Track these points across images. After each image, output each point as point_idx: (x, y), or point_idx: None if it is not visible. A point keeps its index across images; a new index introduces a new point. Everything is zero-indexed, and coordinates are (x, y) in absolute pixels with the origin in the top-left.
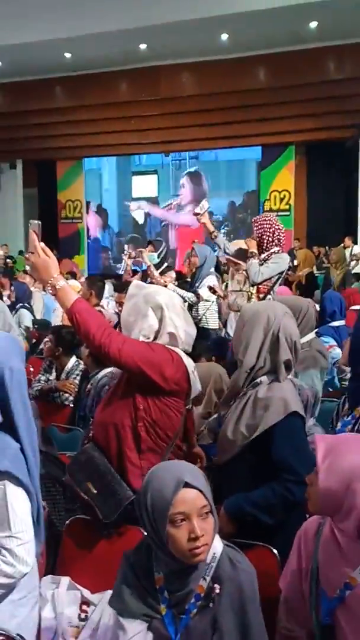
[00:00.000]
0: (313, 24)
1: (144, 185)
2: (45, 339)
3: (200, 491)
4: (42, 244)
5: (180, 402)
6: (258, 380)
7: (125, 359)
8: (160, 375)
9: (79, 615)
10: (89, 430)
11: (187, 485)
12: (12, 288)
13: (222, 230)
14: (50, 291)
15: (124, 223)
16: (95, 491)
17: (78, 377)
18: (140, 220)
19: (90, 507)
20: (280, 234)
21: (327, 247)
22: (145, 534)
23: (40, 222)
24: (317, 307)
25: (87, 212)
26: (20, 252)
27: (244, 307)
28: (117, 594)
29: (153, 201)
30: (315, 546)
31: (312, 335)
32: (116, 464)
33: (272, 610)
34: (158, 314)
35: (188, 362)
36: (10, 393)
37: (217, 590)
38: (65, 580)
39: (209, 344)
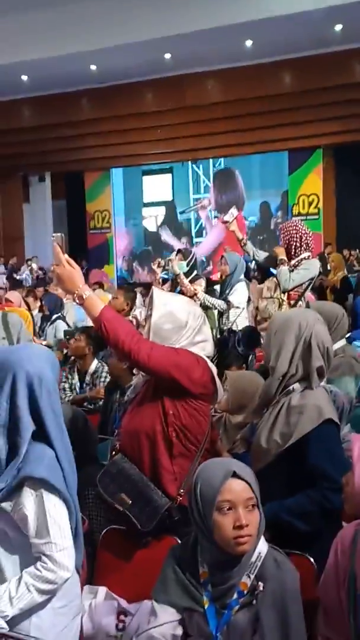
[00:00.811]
0: (338, 27)
1: (157, 188)
2: (72, 340)
3: (248, 484)
4: (67, 255)
5: (207, 405)
6: (290, 387)
7: (154, 365)
8: (188, 379)
9: (117, 625)
10: (115, 441)
11: (235, 475)
12: (43, 301)
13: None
14: (78, 301)
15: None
16: (130, 501)
17: (106, 380)
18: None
19: (126, 518)
20: (308, 238)
21: (358, 250)
22: (193, 525)
23: (63, 234)
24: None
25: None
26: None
27: (275, 314)
28: (160, 584)
29: (168, 206)
30: (352, 553)
31: (343, 341)
32: (149, 472)
33: (309, 619)
34: (195, 324)
35: (212, 365)
36: (40, 402)
37: (261, 588)
38: (102, 590)
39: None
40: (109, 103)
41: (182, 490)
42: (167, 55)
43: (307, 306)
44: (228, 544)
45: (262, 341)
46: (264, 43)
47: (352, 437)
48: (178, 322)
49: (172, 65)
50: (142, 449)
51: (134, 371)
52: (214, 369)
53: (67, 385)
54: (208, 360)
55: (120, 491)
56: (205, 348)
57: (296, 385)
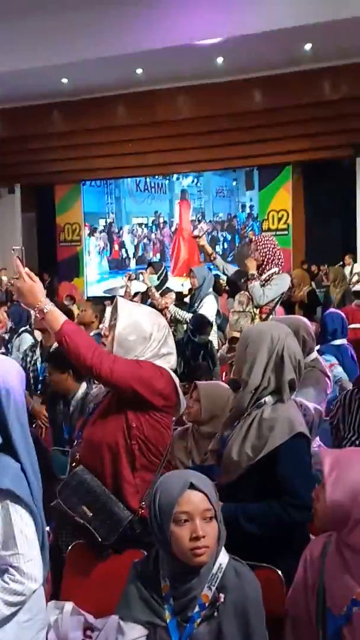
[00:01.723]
0: (308, 46)
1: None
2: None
3: (206, 495)
4: (27, 269)
5: (169, 417)
6: (262, 400)
7: (117, 379)
8: (151, 392)
9: None
10: (75, 452)
11: (192, 487)
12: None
13: (229, 259)
14: (38, 315)
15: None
16: (90, 514)
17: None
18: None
19: (86, 531)
20: (280, 255)
21: (326, 266)
22: (153, 537)
23: (23, 248)
24: (315, 325)
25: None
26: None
27: (247, 327)
28: (123, 601)
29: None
30: (321, 565)
31: (314, 354)
32: (110, 484)
33: (278, 630)
34: (160, 335)
35: (175, 377)
36: (7, 413)
37: (222, 600)
38: (69, 605)
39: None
40: (80, 116)
41: (143, 503)
42: (139, 70)
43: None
44: (185, 555)
45: (213, 329)
46: (235, 60)
47: (321, 451)
48: (143, 332)
49: (144, 80)
50: (104, 461)
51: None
52: (177, 381)
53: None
54: (171, 372)
55: (81, 503)
56: (169, 361)
57: (268, 398)
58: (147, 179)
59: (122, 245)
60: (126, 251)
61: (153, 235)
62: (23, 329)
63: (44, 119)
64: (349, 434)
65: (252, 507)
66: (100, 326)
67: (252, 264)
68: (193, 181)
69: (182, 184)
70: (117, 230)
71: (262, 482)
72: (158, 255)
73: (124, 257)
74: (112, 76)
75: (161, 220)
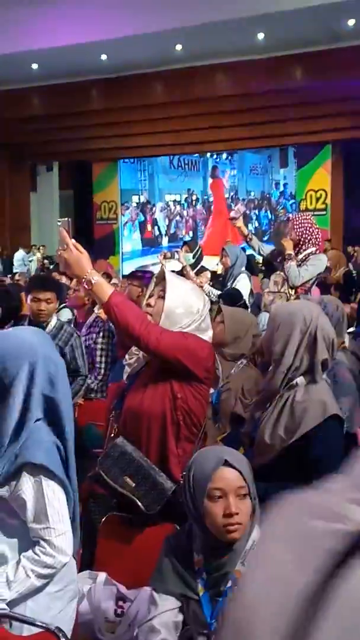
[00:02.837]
0: (351, 22)
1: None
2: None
3: (240, 472)
4: (74, 240)
5: (208, 389)
6: (294, 382)
7: (164, 349)
8: (196, 363)
9: (115, 610)
10: (114, 423)
11: (227, 463)
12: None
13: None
14: (86, 286)
15: None
16: (133, 484)
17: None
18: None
19: (129, 502)
20: (319, 234)
21: None
22: (186, 511)
23: (69, 219)
24: (350, 308)
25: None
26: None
27: (276, 307)
28: (156, 573)
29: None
30: None
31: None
32: (153, 455)
33: None
34: (204, 311)
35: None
36: (58, 388)
37: None
38: (102, 575)
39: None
40: (118, 94)
41: (184, 473)
42: (178, 47)
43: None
44: (218, 531)
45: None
46: (276, 37)
47: None
48: (190, 306)
49: (183, 57)
50: (148, 431)
51: (134, 350)
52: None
53: None
54: (211, 346)
55: (124, 474)
56: (209, 335)
57: (300, 380)
58: (181, 156)
59: (154, 222)
60: (159, 229)
61: (185, 213)
62: (63, 305)
63: (82, 96)
64: None
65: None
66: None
67: (289, 244)
68: (227, 158)
69: (215, 161)
70: (150, 208)
71: (295, 465)
72: (190, 232)
73: (156, 234)
74: (151, 53)
75: (194, 197)
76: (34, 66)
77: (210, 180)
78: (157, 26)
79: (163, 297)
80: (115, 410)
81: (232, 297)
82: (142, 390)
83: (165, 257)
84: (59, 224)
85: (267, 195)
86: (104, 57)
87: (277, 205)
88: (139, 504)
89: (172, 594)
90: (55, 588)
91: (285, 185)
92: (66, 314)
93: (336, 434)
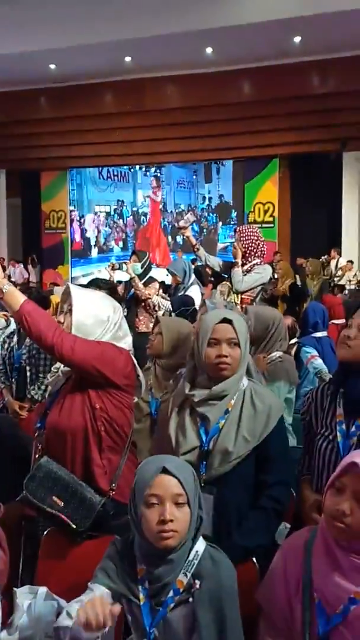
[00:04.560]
0: (297, 39)
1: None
2: None
3: (179, 480)
4: None
5: (131, 397)
6: (241, 384)
7: (79, 358)
8: (112, 370)
9: None
10: (38, 443)
11: (165, 471)
12: None
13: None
14: None
15: None
16: (62, 503)
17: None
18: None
19: (60, 520)
20: (264, 246)
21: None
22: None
23: None
24: (291, 320)
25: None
26: (2, 259)
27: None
28: (98, 571)
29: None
30: (304, 561)
31: (285, 347)
32: (80, 469)
33: (250, 616)
34: (116, 317)
35: (133, 357)
36: None
37: (197, 586)
38: (42, 590)
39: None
40: (68, 103)
41: (114, 485)
42: (128, 58)
43: (245, 311)
44: (153, 537)
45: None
46: (225, 51)
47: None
48: (100, 316)
49: (133, 68)
50: (71, 446)
51: (53, 368)
52: (135, 361)
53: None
54: (130, 353)
55: (51, 494)
56: (127, 342)
57: (245, 381)
58: (110, 167)
59: (82, 234)
60: (88, 240)
61: (114, 224)
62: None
63: (31, 104)
64: (322, 429)
65: (250, 528)
66: (53, 317)
67: (238, 252)
68: (155, 171)
69: (144, 174)
70: (79, 219)
71: (253, 467)
72: (121, 243)
73: (84, 246)
74: (101, 63)
75: (124, 209)
76: None
77: (149, 192)
78: (106, 36)
79: (71, 312)
80: (39, 430)
81: (183, 303)
82: (62, 405)
83: (113, 268)
84: None
85: (193, 208)
86: (52, 65)
87: (202, 218)
88: (69, 522)
89: (111, 589)
90: None
91: (210, 199)
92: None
93: (284, 427)
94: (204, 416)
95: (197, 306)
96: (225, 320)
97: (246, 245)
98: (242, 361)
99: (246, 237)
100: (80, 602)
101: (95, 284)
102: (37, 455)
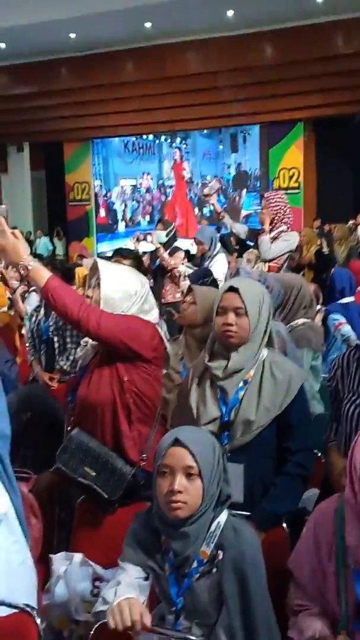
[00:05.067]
0: None
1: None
2: None
3: (191, 452)
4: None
5: (159, 370)
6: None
7: (105, 332)
8: (140, 343)
9: (92, 590)
10: (69, 416)
11: (178, 442)
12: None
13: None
14: (22, 272)
15: None
16: (94, 474)
17: None
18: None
19: (92, 490)
20: (290, 214)
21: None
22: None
23: (7, 207)
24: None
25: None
26: (29, 233)
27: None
28: (125, 546)
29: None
30: (336, 528)
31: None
32: (109, 442)
33: (281, 580)
34: (143, 291)
35: (160, 330)
36: None
37: (220, 557)
38: (77, 556)
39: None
40: (88, 72)
41: (144, 455)
42: (148, 25)
43: (264, 280)
44: (164, 506)
45: None
46: (246, 13)
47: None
48: (127, 290)
49: (153, 35)
50: (101, 418)
51: (82, 342)
52: (162, 333)
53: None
54: (156, 325)
55: (83, 465)
56: (153, 314)
57: (265, 351)
58: (135, 140)
59: (109, 208)
60: (115, 214)
61: (141, 198)
62: (32, 289)
63: (51, 75)
64: (349, 395)
65: (277, 494)
66: (79, 290)
67: (265, 219)
68: (181, 142)
69: (170, 146)
70: (104, 193)
71: (275, 435)
72: (147, 217)
73: (110, 221)
74: (120, 31)
75: (150, 182)
76: (1, 45)
77: (171, 163)
78: (126, 3)
79: (99, 286)
80: (70, 403)
81: (200, 276)
82: (90, 379)
83: (138, 240)
84: None
85: (220, 178)
86: (72, 35)
87: (228, 189)
88: (101, 492)
89: (139, 564)
90: (7, 542)
91: (237, 166)
92: (33, 300)
93: (305, 397)
94: (222, 388)
95: (222, 275)
96: (232, 289)
97: (274, 212)
98: (255, 330)
99: (275, 204)
100: (117, 584)
101: (120, 253)
102: (68, 428)
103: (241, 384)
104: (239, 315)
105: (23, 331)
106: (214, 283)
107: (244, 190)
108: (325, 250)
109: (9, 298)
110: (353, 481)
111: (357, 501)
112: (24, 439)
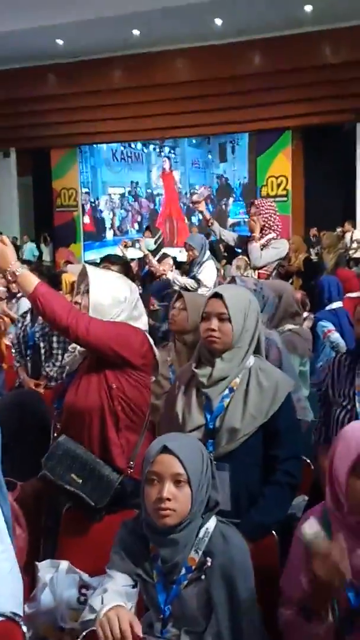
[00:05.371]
0: (308, 8)
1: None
2: None
3: (179, 459)
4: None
5: (148, 377)
6: (247, 362)
7: (94, 339)
8: (128, 350)
9: (78, 598)
10: (56, 423)
11: (167, 450)
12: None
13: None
14: (10, 278)
15: None
16: (80, 481)
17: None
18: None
19: (79, 498)
20: (279, 221)
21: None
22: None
23: None
24: (301, 294)
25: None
26: (15, 239)
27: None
28: (113, 554)
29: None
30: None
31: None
32: (96, 449)
33: (270, 586)
34: (132, 297)
35: (149, 337)
36: None
37: (209, 564)
38: (64, 564)
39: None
40: (76, 79)
41: (132, 463)
42: (136, 32)
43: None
44: (152, 514)
45: None
46: (234, 22)
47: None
48: (116, 297)
49: (141, 43)
50: (88, 425)
51: (70, 348)
52: (152, 340)
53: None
54: (146, 332)
55: (69, 472)
56: (142, 321)
57: (252, 359)
58: (123, 149)
59: (96, 216)
60: (103, 222)
61: (130, 206)
62: (21, 294)
63: (39, 81)
64: (340, 400)
65: (266, 504)
66: (67, 296)
67: (255, 226)
68: (169, 152)
69: (158, 154)
70: (91, 201)
71: (261, 442)
72: (136, 225)
73: (99, 228)
74: (109, 38)
75: (139, 191)
76: None
77: (159, 172)
78: (114, 10)
79: (88, 292)
80: (57, 410)
81: (160, 287)
82: (78, 385)
83: (126, 246)
84: None
85: (209, 187)
86: (59, 41)
87: (215, 199)
88: (88, 499)
89: (127, 571)
90: None
91: (226, 178)
92: (23, 305)
93: (292, 404)
94: (207, 395)
95: (211, 283)
96: (217, 295)
97: (264, 219)
98: (239, 337)
99: (265, 211)
100: (103, 591)
101: (108, 259)
102: (55, 435)
103: (227, 392)
104: (222, 321)
105: (8, 338)
106: (173, 294)
107: (231, 199)
108: (314, 257)
109: None
110: (336, 492)
111: (343, 513)
112: (13, 445)
